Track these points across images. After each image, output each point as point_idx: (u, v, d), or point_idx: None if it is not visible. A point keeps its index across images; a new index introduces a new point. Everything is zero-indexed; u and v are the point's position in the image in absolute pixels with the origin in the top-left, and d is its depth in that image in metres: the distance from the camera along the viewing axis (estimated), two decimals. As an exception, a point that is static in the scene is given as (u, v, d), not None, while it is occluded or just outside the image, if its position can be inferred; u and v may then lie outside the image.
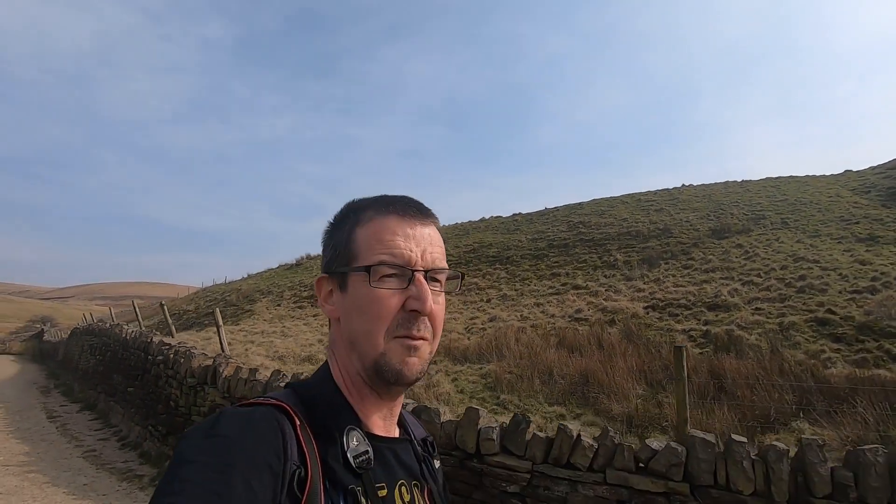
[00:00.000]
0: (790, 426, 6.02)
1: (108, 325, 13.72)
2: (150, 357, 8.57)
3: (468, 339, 10.35)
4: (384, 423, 0.72)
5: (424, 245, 0.70)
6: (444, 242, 0.75)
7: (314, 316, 18.41)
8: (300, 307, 20.90)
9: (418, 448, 0.77)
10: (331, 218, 0.76)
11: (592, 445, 2.78)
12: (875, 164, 21.38)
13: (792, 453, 3.02)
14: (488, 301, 14.99)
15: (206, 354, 7.12)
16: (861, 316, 9.05)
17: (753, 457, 3.04)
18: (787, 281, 11.64)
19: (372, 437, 0.68)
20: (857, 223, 15.55)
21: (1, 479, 6.00)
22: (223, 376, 5.91)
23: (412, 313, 0.67)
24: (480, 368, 8.50)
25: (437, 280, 0.71)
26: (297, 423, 0.61)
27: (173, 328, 9.67)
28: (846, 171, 21.81)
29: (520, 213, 25.45)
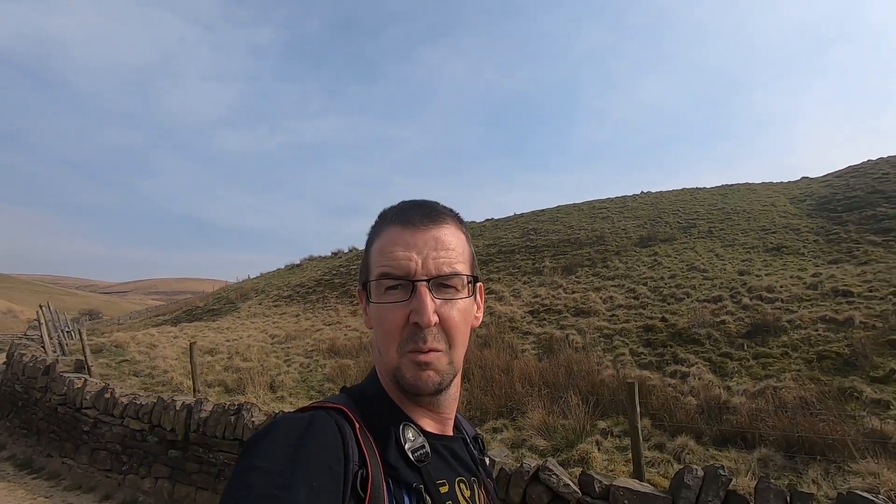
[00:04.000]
0: (527, 415, 7.37)
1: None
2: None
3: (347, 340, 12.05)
4: (436, 425, 0.72)
5: (427, 251, 0.68)
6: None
7: (281, 315, 20.54)
8: (276, 305, 23.10)
9: (471, 446, 0.78)
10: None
11: (121, 402, 4.61)
12: (831, 171, 21.24)
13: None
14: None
15: (23, 345, 9.55)
16: (683, 323, 10.07)
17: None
18: (660, 289, 12.61)
19: (426, 435, 0.69)
20: (775, 233, 16.04)
21: None
22: (14, 360, 8.29)
23: (415, 326, 0.66)
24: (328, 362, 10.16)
25: (449, 286, 0.69)
26: (357, 425, 0.62)
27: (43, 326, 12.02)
28: (803, 177, 21.77)
29: (491, 219, 26.73)
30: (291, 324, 16.97)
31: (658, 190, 23.66)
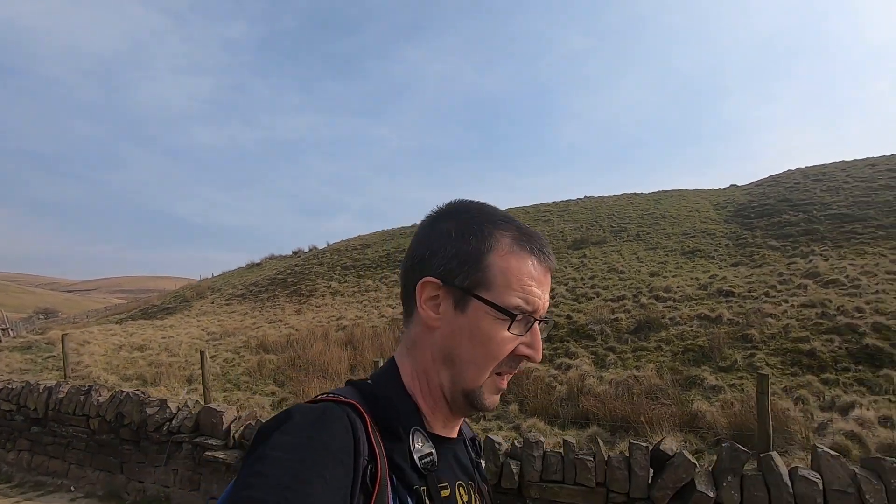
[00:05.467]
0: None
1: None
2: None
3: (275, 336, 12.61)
4: (446, 427, 0.72)
5: (545, 292, 0.69)
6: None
7: (230, 313, 20.82)
8: (228, 304, 23.32)
9: (470, 449, 0.78)
10: (442, 216, 0.72)
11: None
12: (755, 180, 22.77)
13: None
14: (317, 307, 17.18)
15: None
16: (583, 321, 10.97)
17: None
18: (577, 290, 13.54)
19: (434, 438, 0.68)
20: (693, 237, 17.22)
21: None
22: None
23: (520, 357, 0.68)
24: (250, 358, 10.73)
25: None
26: (368, 420, 0.61)
27: None
28: (731, 185, 23.23)
29: (444, 221, 27.44)
30: (236, 322, 17.36)
31: (600, 195, 24.85)
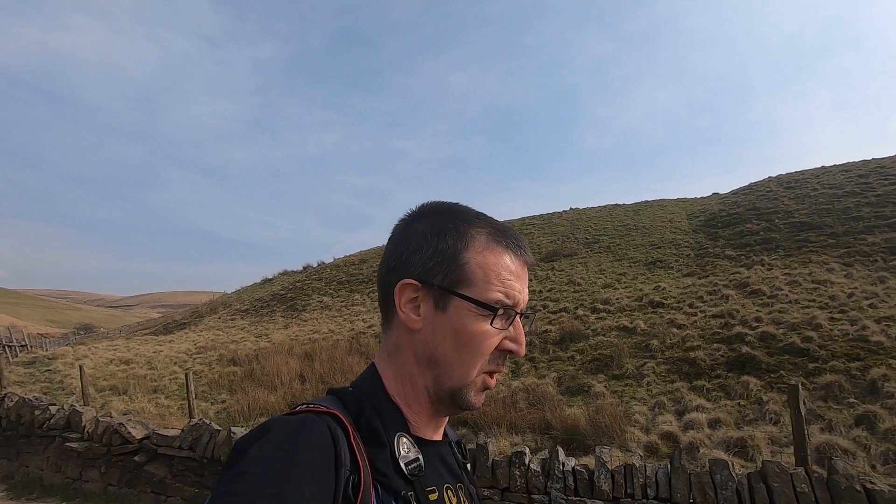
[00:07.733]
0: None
1: None
2: None
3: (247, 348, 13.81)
4: (430, 430, 0.72)
5: (524, 286, 0.70)
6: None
7: (231, 328, 22.33)
8: (233, 319, 24.90)
9: (456, 451, 0.78)
10: (416, 218, 0.72)
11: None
12: (735, 188, 22.81)
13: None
14: (309, 320, 18.31)
15: None
16: (519, 333, 11.72)
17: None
18: (529, 302, 14.25)
19: (420, 442, 0.68)
20: (660, 248, 17.63)
21: None
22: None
23: (505, 352, 0.68)
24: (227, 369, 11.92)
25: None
26: (350, 429, 0.60)
27: None
28: (713, 193, 23.30)
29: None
30: (228, 337, 18.77)
31: (585, 206, 25.35)
